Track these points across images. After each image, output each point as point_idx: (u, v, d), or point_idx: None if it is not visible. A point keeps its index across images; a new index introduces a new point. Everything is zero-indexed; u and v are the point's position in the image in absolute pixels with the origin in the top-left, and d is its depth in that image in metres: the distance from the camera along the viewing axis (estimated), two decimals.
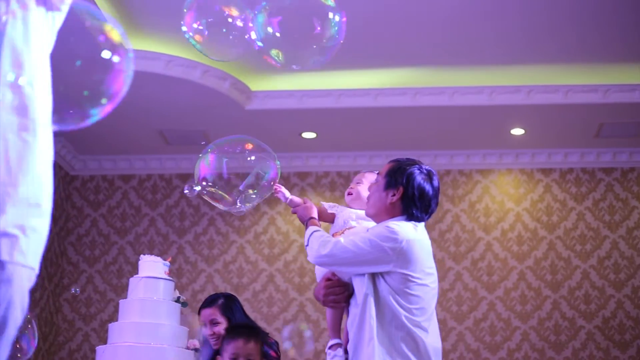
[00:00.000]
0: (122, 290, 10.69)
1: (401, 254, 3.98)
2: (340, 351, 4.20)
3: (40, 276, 10.37)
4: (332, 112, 9.90)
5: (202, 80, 9.26)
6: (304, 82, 9.77)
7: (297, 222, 10.82)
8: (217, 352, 5.53)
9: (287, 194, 4.71)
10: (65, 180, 11.25)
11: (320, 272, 4.46)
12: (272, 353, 5.12)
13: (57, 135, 8.85)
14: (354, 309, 4.09)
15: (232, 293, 6.15)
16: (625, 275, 10.74)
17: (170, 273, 7.60)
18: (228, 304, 5.58)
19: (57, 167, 11.01)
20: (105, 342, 8.14)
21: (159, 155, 11.31)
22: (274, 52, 3.95)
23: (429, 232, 4.36)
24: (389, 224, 4.06)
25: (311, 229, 4.27)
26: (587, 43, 8.88)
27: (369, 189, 4.35)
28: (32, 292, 8.82)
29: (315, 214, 4.44)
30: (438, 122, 10.27)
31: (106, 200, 11.42)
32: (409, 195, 4.16)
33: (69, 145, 10.97)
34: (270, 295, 10.95)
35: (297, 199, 4.68)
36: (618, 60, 9.27)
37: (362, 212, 4.50)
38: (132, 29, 8.69)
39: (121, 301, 7.46)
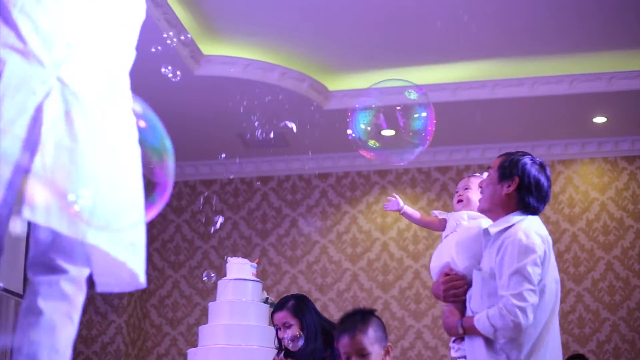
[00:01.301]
0: (207, 294, 10.79)
1: (545, 258, 4.11)
2: (463, 344, 4.24)
3: None
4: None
5: (280, 82, 9.29)
6: (381, 79, 9.73)
7: (379, 219, 10.84)
8: (289, 354, 5.57)
9: (401, 202, 4.94)
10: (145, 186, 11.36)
11: (436, 268, 4.50)
12: None
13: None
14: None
15: (304, 294, 6.17)
16: None
17: (257, 275, 7.64)
18: (299, 304, 5.61)
19: None
20: (194, 345, 8.22)
21: (239, 159, 11.36)
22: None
23: None
24: (521, 237, 4.03)
25: (476, 320, 4.09)
26: None
27: (480, 186, 4.38)
28: (120, 299, 9.00)
29: (457, 316, 4.30)
30: (518, 114, 10.17)
31: (189, 206, 11.53)
32: (525, 185, 4.19)
33: None
34: (354, 295, 10.95)
35: (410, 210, 5.03)
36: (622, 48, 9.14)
37: (472, 212, 4.63)
38: (208, 34, 8.77)
39: (210, 304, 7.52)
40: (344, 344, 3.86)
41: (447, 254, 4.45)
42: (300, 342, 5.47)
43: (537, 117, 10.27)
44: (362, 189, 11.30)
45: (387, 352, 3.85)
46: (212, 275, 6.87)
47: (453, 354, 4.31)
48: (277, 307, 5.70)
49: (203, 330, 7.38)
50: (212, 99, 9.60)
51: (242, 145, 10.90)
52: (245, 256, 8.49)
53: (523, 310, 3.91)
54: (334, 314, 10.81)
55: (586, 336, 10.44)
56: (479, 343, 4.08)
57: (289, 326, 5.50)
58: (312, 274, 11.05)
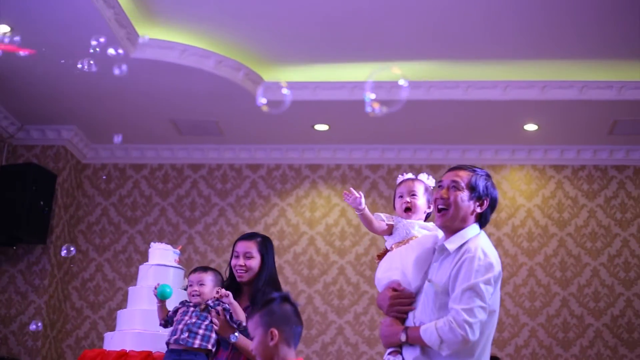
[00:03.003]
0: (130, 279, 10.70)
1: (499, 279, 4.21)
2: (399, 357, 4.22)
3: (49, 263, 10.40)
4: (345, 104, 9.87)
5: (216, 70, 9.24)
6: (318, 74, 9.75)
7: (308, 213, 10.85)
8: (237, 287, 5.49)
9: (364, 202, 4.73)
10: (76, 169, 11.25)
11: (384, 280, 4.48)
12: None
13: (68, 123, 8.80)
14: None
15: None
16: (635, 273, 10.71)
17: (180, 262, 7.58)
18: (265, 243, 5.65)
19: (69, 155, 11.01)
20: (113, 329, 8.14)
21: (171, 145, 11.30)
22: None
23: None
24: (479, 255, 4.11)
25: (423, 330, 4.12)
26: (602, 39, 8.84)
27: (455, 199, 4.29)
28: (41, 279, 8.84)
29: (400, 326, 4.31)
30: (451, 116, 10.24)
31: (117, 189, 11.43)
32: (490, 205, 4.35)
33: (81, 134, 10.97)
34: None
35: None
36: (633, 57, 9.23)
37: (421, 222, 4.66)
38: (147, 18, 8.68)
39: (130, 288, 7.44)
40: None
41: (398, 267, 4.42)
42: (249, 276, 5.49)
43: (469, 121, 10.36)
44: (293, 182, 11.30)
45: (271, 337, 3.98)
46: (72, 249, 6.87)
47: None
48: (243, 237, 5.69)
49: (121, 314, 7.31)
50: (146, 83, 9.52)
51: (175, 132, 10.84)
52: (171, 243, 8.42)
53: (471, 326, 3.96)
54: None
55: (504, 340, 10.55)
56: (419, 354, 4.14)
57: (250, 257, 5.51)
58: None
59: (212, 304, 5.39)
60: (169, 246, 7.42)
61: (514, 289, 10.67)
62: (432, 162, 11.14)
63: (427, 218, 4.78)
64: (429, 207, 4.73)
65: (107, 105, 10.12)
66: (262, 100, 4.43)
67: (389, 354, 4.27)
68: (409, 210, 4.69)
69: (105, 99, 9.88)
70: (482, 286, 4.02)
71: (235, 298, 5.34)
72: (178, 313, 5.50)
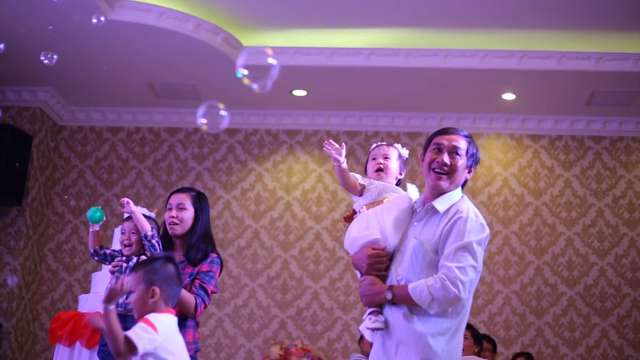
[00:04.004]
0: (106, 242, 10.60)
1: (487, 241, 4.28)
2: (381, 317, 4.21)
3: (25, 225, 10.37)
4: (324, 70, 9.85)
5: (194, 33, 9.18)
6: (297, 40, 9.71)
7: (285, 179, 10.85)
8: (170, 241, 5.41)
9: (344, 156, 4.62)
10: (53, 131, 11.19)
11: (360, 240, 4.44)
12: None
13: (45, 84, 8.73)
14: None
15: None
16: (609, 243, 10.79)
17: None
18: (200, 197, 5.59)
19: (45, 117, 10.95)
20: (88, 292, 8.14)
21: (148, 108, 11.25)
22: None
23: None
24: (471, 215, 4.18)
25: (412, 288, 4.10)
26: (581, 10, 8.84)
27: (457, 165, 4.32)
28: (17, 240, 8.79)
29: (383, 284, 4.29)
30: (430, 84, 10.24)
31: (94, 152, 11.38)
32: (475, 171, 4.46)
33: (58, 96, 10.90)
34: (254, 252, 10.96)
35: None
36: (612, 28, 9.24)
37: (393, 186, 4.68)
38: None
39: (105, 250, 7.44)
40: None
41: (375, 226, 4.41)
42: (181, 229, 5.42)
43: (448, 89, 10.36)
44: (270, 147, 11.29)
45: (152, 294, 4.18)
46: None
47: (369, 324, 4.25)
48: (177, 190, 5.64)
49: (96, 276, 7.32)
50: (124, 46, 9.45)
51: (152, 95, 10.79)
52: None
53: (464, 283, 4.00)
54: (233, 270, 10.83)
55: (479, 307, 10.62)
56: (405, 313, 4.13)
57: (183, 209, 5.44)
58: (214, 229, 10.92)
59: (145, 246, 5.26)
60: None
61: (488, 257, 10.72)
62: (409, 130, 11.15)
63: (397, 185, 4.79)
64: (401, 174, 4.78)
65: (84, 67, 10.05)
66: (243, 72, 4.35)
67: (370, 313, 4.26)
68: (380, 170, 4.70)
69: (82, 60, 9.80)
70: (475, 246, 4.07)
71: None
72: (113, 277, 5.30)
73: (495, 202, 10.93)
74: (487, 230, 4.19)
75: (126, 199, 5.12)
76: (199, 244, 5.41)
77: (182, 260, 5.37)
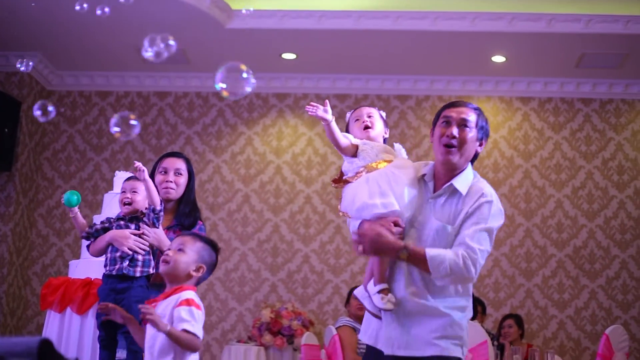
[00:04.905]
0: (97, 207, 10.68)
1: None
2: (392, 297, 4.06)
3: (14, 191, 10.36)
4: (313, 33, 9.82)
5: None
6: (286, 3, 9.68)
7: (275, 142, 10.84)
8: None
9: (330, 113, 4.36)
10: (41, 95, 11.15)
11: (373, 208, 4.18)
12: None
13: (33, 49, 8.67)
14: None
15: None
16: (599, 205, 10.83)
17: None
18: (191, 164, 5.61)
19: (34, 82, 10.90)
20: (79, 257, 8.15)
21: (137, 72, 11.21)
22: None
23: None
24: (495, 200, 4.13)
25: (431, 256, 3.95)
26: None
27: (467, 138, 4.20)
28: (7, 206, 8.75)
29: (399, 244, 4.05)
30: (419, 47, 10.22)
31: (83, 117, 11.34)
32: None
33: (46, 60, 10.85)
34: (245, 215, 10.97)
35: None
36: None
37: (387, 146, 4.50)
38: None
39: (95, 217, 7.43)
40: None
41: (388, 193, 4.18)
42: (177, 193, 5.43)
43: (437, 52, 10.34)
44: (260, 110, 11.27)
45: (197, 269, 4.29)
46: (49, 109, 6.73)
47: (379, 303, 4.08)
48: (171, 154, 5.62)
49: (85, 242, 7.31)
50: (112, 9, 9.38)
51: (141, 59, 10.74)
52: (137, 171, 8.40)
53: (478, 267, 3.95)
54: (224, 234, 10.85)
55: None
56: (421, 290, 4.04)
57: (180, 174, 5.45)
58: (204, 193, 11.02)
59: (145, 212, 5.17)
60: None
61: None
62: (399, 93, 11.15)
63: None
64: (386, 133, 4.58)
65: (72, 32, 9.99)
66: (222, 85, 4.33)
67: (380, 292, 4.08)
68: (368, 128, 4.49)
69: (70, 25, 9.75)
70: (494, 232, 4.05)
71: None
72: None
73: (485, 164, 10.94)
74: (503, 217, 4.15)
75: (142, 166, 5.01)
76: (190, 210, 5.42)
77: (171, 225, 5.38)
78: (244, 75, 4.21)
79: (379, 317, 4.16)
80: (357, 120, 4.53)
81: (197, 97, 11.32)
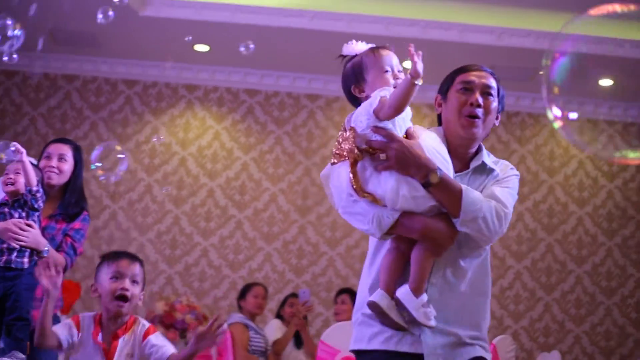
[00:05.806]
0: None
1: None
2: (432, 309, 3.42)
3: None
4: (228, 26, 9.76)
5: None
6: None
7: (181, 134, 10.77)
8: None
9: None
10: None
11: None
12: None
13: None
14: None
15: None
16: (617, 225, 11.40)
17: None
18: (80, 151, 5.49)
19: None
20: None
21: (46, 53, 10.97)
22: None
23: None
24: (513, 168, 3.72)
25: (466, 195, 3.37)
26: None
27: (491, 107, 3.67)
28: None
29: (432, 164, 3.39)
30: (333, 48, 10.19)
31: None
32: None
33: None
34: (146, 206, 10.85)
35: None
36: (514, 5, 9.39)
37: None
38: None
39: None
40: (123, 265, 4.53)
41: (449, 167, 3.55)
42: (59, 180, 5.33)
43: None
44: (169, 100, 11.15)
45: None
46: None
47: (428, 321, 3.41)
48: (58, 140, 5.54)
49: None
50: None
51: (50, 41, 10.54)
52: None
53: (506, 224, 3.49)
54: (123, 223, 10.72)
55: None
56: (453, 281, 3.54)
57: (64, 160, 5.33)
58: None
59: (26, 196, 4.96)
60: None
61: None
62: (310, 92, 11.17)
63: None
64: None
65: None
66: (97, 164, 4.38)
67: (415, 295, 3.41)
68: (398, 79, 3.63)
69: None
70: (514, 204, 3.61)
71: None
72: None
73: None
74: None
75: (22, 148, 4.89)
76: (77, 200, 5.32)
77: (54, 214, 5.28)
78: (120, 155, 4.33)
79: (404, 330, 3.47)
80: (387, 71, 3.63)
81: (105, 82, 11.14)
